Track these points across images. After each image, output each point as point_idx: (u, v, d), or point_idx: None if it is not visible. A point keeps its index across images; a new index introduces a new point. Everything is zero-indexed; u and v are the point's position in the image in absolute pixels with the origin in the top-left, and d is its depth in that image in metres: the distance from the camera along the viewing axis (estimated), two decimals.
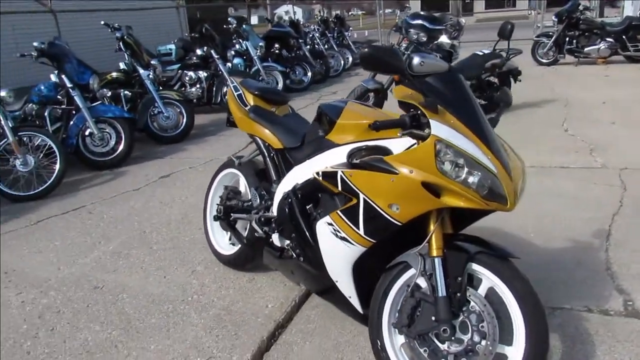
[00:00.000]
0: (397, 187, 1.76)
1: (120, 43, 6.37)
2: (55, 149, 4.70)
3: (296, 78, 9.61)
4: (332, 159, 2.03)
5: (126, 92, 6.15)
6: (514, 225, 3.11)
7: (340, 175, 1.90)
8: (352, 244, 1.94)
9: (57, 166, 4.67)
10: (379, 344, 1.91)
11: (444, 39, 6.00)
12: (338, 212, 1.93)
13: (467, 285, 1.80)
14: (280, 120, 2.64)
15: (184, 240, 3.43)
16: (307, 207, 2.18)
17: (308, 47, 10.67)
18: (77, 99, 5.24)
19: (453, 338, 1.79)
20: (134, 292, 2.80)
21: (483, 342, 1.75)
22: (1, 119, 4.56)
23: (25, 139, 4.70)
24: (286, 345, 2.30)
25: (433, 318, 1.78)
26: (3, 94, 4.97)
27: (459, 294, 1.78)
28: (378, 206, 1.81)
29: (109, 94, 5.84)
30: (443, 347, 1.80)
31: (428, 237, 1.82)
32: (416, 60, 1.72)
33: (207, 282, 2.85)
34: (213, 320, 2.49)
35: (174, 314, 2.58)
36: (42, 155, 4.71)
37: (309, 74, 9.68)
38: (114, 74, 6.42)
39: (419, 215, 1.78)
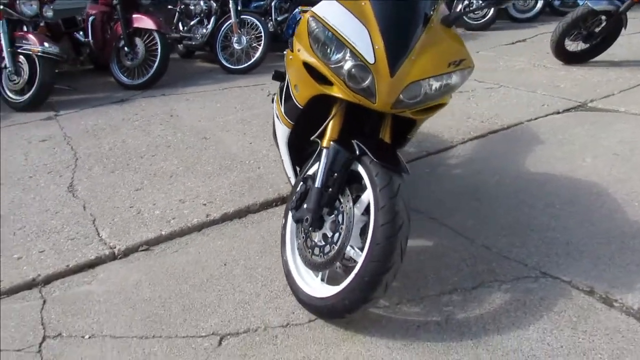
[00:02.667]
0: (294, 66, 1.78)
1: None
2: (262, 34, 5.53)
3: None
4: None
5: None
6: None
7: (285, 55, 1.97)
8: (281, 124, 2.03)
9: (261, 48, 5.51)
10: (283, 222, 2.02)
11: None
12: (277, 90, 2.03)
13: (345, 185, 1.73)
14: None
15: None
16: None
17: None
18: None
19: (317, 231, 1.78)
20: (223, 147, 3.40)
21: (337, 242, 1.71)
22: (231, 3, 5.56)
23: (246, 21, 5.65)
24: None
25: (305, 206, 1.80)
26: None
27: (331, 189, 1.73)
28: (290, 85, 1.85)
29: None
30: (313, 239, 1.82)
31: (322, 128, 1.79)
32: None
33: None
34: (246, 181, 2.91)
35: (227, 168, 3.09)
36: (253, 37, 5.60)
37: None
38: None
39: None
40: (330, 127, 1.77)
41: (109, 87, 5.17)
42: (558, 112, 3.77)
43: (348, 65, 1.57)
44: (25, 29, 4.73)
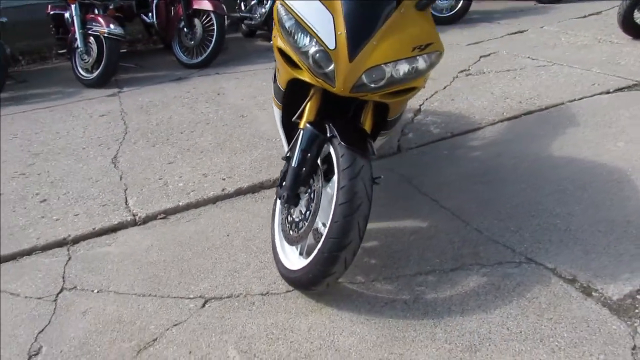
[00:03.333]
0: (275, 51, 1.86)
1: None
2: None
3: None
4: None
5: None
6: None
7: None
8: (274, 105, 2.14)
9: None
10: (274, 198, 2.14)
11: None
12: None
13: (317, 165, 1.82)
14: None
15: None
16: None
17: None
18: None
19: (294, 208, 1.89)
20: (256, 125, 3.58)
21: (308, 218, 1.81)
22: None
23: None
24: None
25: (284, 184, 1.91)
26: None
27: (304, 169, 1.83)
28: (275, 69, 1.96)
29: None
30: (292, 215, 1.93)
31: (300, 110, 1.88)
32: None
33: None
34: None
35: (253, 146, 3.26)
36: None
37: None
38: None
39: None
40: (307, 110, 1.86)
41: (171, 66, 5.51)
42: (607, 92, 3.54)
43: (311, 51, 1.64)
44: (95, 11, 5.17)
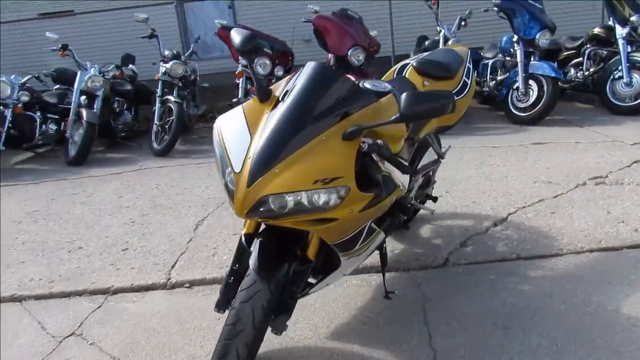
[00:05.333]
0: None
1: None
2: None
3: None
4: None
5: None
6: None
7: None
8: None
9: None
10: None
11: None
12: None
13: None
14: None
15: None
16: None
17: None
18: (519, 53, 5.54)
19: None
20: None
21: None
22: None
23: None
24: None
25: None
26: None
27: (232, 278, 1.85)
28: None
29: None
30: None
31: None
32: None
33: None
34: None
35: None
36: None
37: None
38: None
39: None
40: (247, 222, 1.89)
41: None
42: None
43: (227, 171, 1.68)
44: None
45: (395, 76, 2.77)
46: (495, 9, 5.70)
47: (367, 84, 2.09)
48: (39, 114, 6.09)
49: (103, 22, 7.98)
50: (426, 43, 6.18)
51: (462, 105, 2.68)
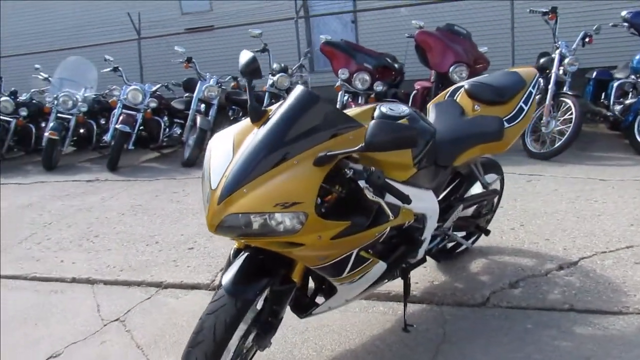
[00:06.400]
0: None
1: None
2: (574, 114, 4.83)
3: None
4: None
5: None
6: None
7: None
8: None
9: (571, 130, 4.83)
10: None
11: None
12: None
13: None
14: None
15: None
16: None
17: None
18: None
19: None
20: None
21: None
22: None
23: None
24: None
25: None
26: None
27: None
28: None
29: None
30: None
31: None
32: None
33: None
34: None
35: None
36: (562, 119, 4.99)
37: None
38: None
39: None
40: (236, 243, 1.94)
41: None
42: None
43: (205, 187, 1.75)
44: (359, 100, 5.95)
45: (446, 98, 2.63)
46: (626, 24, 5.05)
47: (383, 108, 2.02)
48: (165, 119, 6.85)
49: (233, 36, 8.66)
50: (541, 61, 5.67)
51: (513, 134, 2.44)
